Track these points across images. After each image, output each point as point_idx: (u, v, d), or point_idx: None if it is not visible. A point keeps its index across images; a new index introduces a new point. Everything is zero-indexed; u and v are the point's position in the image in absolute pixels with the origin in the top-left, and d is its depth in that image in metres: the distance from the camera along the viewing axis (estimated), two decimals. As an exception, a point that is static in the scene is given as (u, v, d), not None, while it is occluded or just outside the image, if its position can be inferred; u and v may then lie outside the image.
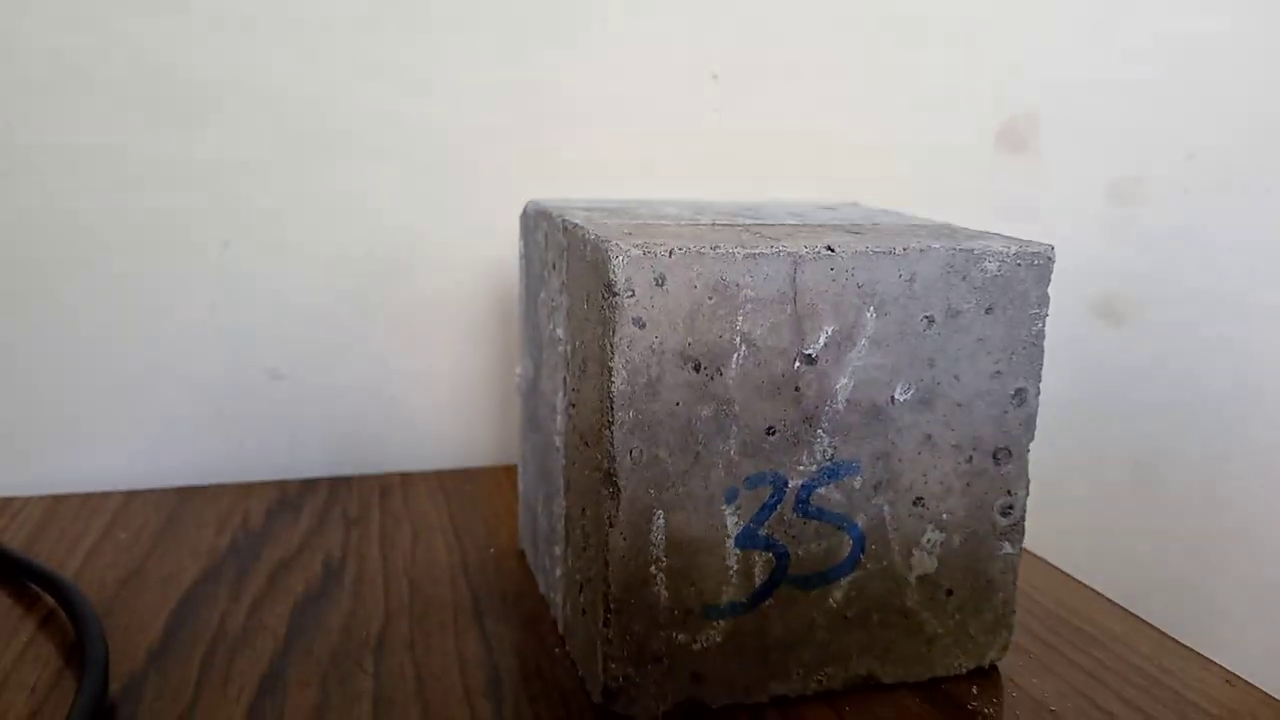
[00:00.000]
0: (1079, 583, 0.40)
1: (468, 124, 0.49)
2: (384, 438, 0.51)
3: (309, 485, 0.48)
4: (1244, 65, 0.60)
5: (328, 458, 0.51)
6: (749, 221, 0.33)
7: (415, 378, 0.51)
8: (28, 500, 0.45)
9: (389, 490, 0.48)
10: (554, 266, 0.33)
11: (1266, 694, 0.32)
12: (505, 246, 0.50)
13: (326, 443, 0.51)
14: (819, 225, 0.33)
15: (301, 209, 0.48)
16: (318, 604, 0.37)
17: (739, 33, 0.52)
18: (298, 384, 0.50)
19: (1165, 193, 0.60)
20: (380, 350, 0.51)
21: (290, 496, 0.47)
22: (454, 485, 0.49)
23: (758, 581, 0.30)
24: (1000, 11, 0.56)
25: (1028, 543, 0.39)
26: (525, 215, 0.38)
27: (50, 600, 0.36)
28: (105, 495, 0.46)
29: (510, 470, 0.50)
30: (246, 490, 0.47)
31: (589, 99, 0.51)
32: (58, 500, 0.45)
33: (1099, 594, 0.39)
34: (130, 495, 0.46)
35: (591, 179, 0.51)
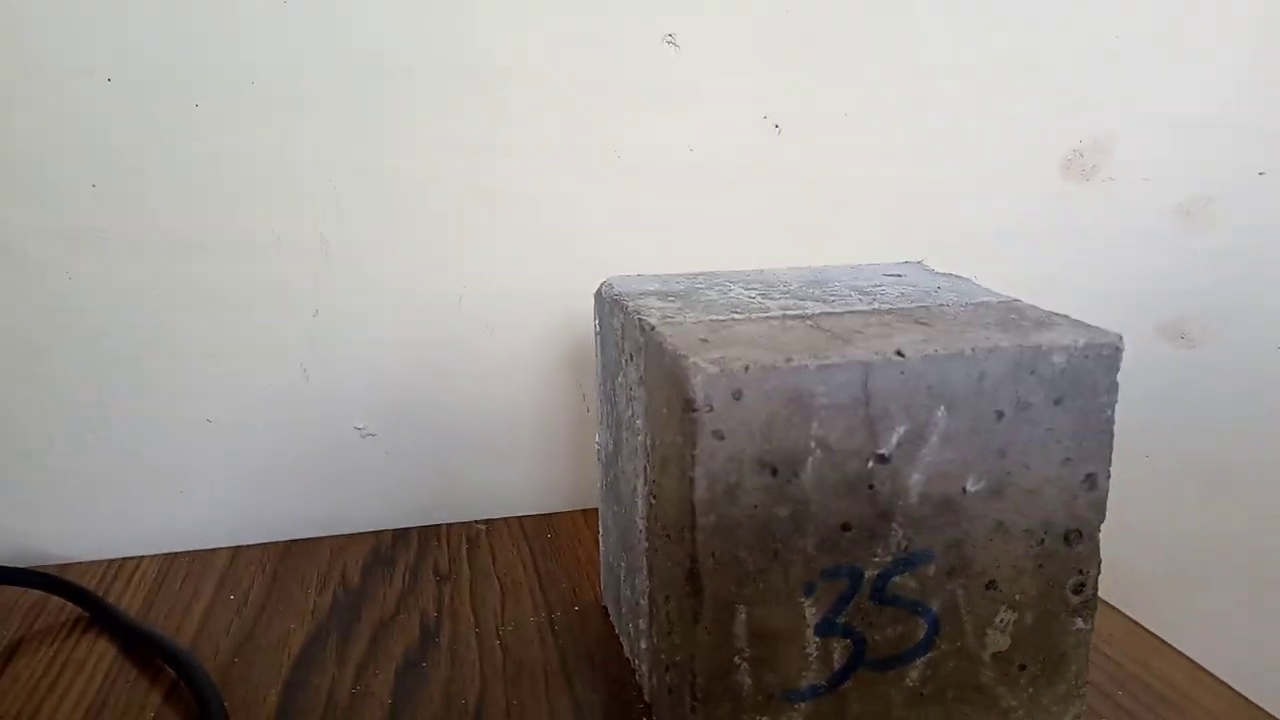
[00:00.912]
0: (1150, 633, 0.41)
1: (545, 187, 0.51)
2: (471, 486, 0.54)
3: (401, 536, 0.50)
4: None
5: (418, 508, 0.53)
6: (818, 310, 0.34)
7: (496, 429, 0.53)
8: (140, 560, 0.48)
9: (475, 540, 0.50)
10: (631, 358, 0.35)
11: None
12: (579, 304, 0.52)
13: (415, 494, 0.53)
14: (887, 310, 0.34)
15: (384, 278, 0.50)
16: (418, 669, 0.39)
17: (799, 82, 0.53)
18: (385, 440, 0.52)
19: (1234, 211, 0.59)
20: (463, 404, 0.53)
21: (384, 549, 0.49)
22: (535, 532, 0.51)
23: (836, 666, 0.31)
24: (1061, 39, 0.56)
25: (1102, 591, 0.40)
26: (600, 296, 0.39)
27: (173, 672, 0.39)
28: (213, 552, 0.49)
29: (587, 515, 0.52)
30: (343, 543, 0.50)
31: (657, 155, 0.52)
32: (170, 558, 0.48)
33: (1170, 646, 0.40)
34: (236, 551, 0.49)
35: (662, 233, 0.53)
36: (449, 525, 0.51)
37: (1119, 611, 0.42)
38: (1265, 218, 0.60)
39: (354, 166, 0.49)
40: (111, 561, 0.48)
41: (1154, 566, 0.62)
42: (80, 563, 0.48)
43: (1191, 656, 0.39)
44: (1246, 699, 0.36)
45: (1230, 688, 0.37)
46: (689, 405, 0.28)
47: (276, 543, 0.50)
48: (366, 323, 0.51)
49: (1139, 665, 0.38)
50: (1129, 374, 0.53)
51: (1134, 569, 0.58)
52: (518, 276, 0.52)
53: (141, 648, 0.41)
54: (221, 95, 0.47)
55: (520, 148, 0.50)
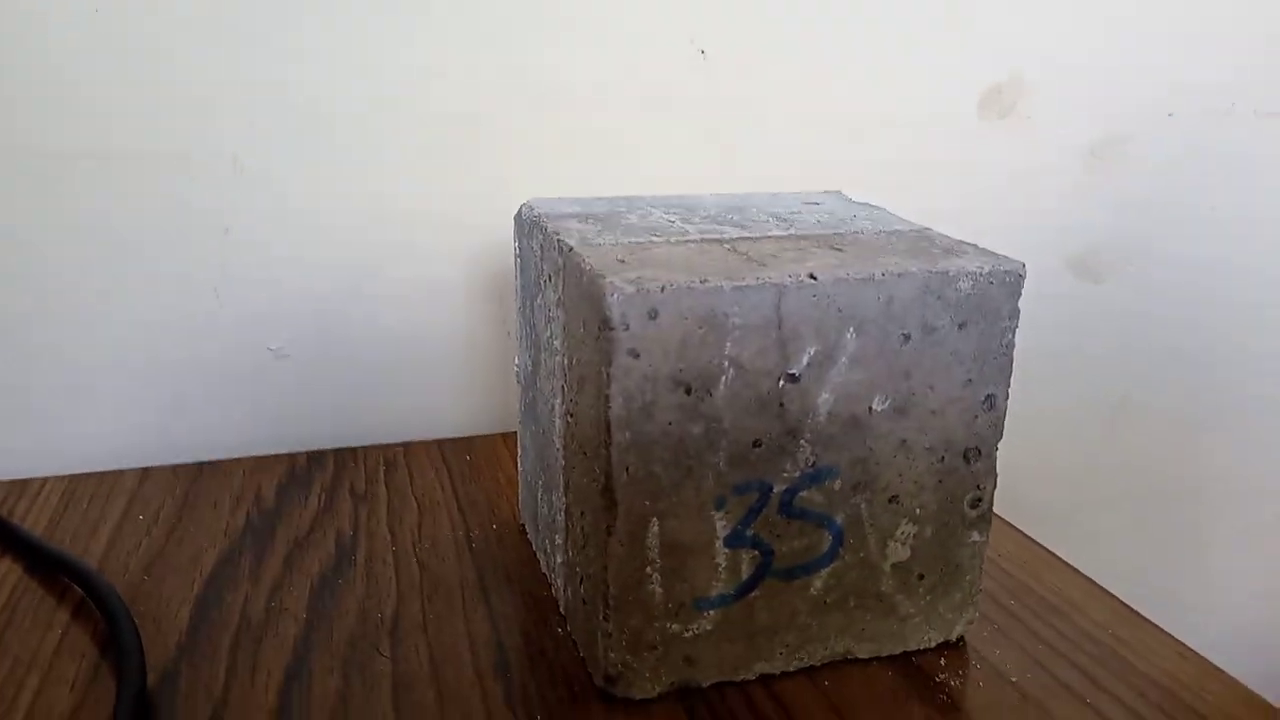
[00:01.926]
0: (1044, 549, 0.43)
1: (461, 108, 0.50)
2: (386, 410, 0.53)
3: (316, 458, 0.50)
4: (1223, 22, 0.60)
5: (333, 431, 0.53)
6: (736, 234, 0.35)
7: (414, 352, 0.53)
8: (45, 481, 0.47)
9: (393, 462, 0.50)
10: (550, 279, 0.35)
11: (1214, 666, 0.35)
12: (499, 224, 0.52)
13: (331, 416, 0.53)
14: (803, 236, 0.35)
15: (299, 195, 0.49)
16: (333, 586, 0.39)
17: (727, 9, 0.52)
18: (300, 363, 0.51)
19: (1145, 153, 0.61)
20: (379, 327, 0.52)
21: (299, 471, 0.49)
22: (454, 455, 0.51)
23: (744, 576, 0.32)
24: (984, -28, 0.56)
25: (1000, 508, 0.42)
26: (520, 218, 0.39)
27: (80, 590, 0.39)
28: (121, 473, 0.48)
29: (507, 438, 0.53)
30: (257, 465, 0.49)
31: (578, 79, 0.51)
32: (76, 480, 0.47)
33: (1062, 560, 0.42)
34: (145, 473, 0.48)
35: (582, 157, 0.52)
36: (366, 448, 0.51)
37: (1015, 528, 0.44)
38: (1173, 159, 0.62)
39: (266, 81, 0.47)
40: (14, 481, 0.47)
41: (1052, 488, 0.65)
42: (-20, 484, 0.47)
43: (1082, 570, 0.41)
44: (1130, 607, 0.39)
45: (1115, 597, 0.39)
46: (605, 324, 0.29)
47: (187, 465, 0.49)
48: (279, 243, 0.50)
49: (1031, 577, 0.41)
50: (1038, 306, 0.55)
51: (1033, 490, 0.61)
52: (437, 198, 0.51)
53: (46, 566, 0.40)
54: (125, 3, 0.44)
55: (441, 67, 0.49)
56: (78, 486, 0.47)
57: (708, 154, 0.54)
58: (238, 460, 0.50)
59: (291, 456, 0.50)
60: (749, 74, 0.54)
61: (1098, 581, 0.40)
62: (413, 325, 0.53)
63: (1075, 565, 0.42)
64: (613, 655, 0.32)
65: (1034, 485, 0.63)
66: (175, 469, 0.49)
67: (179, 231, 0.48)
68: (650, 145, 0.53)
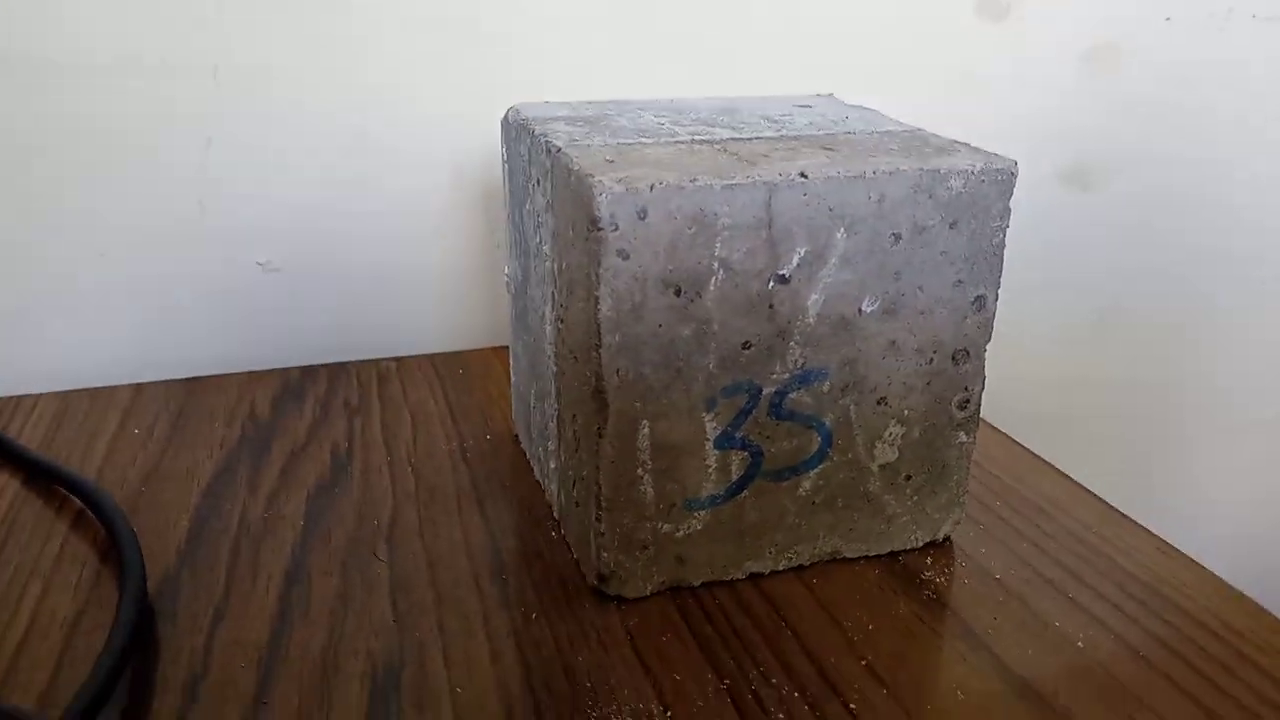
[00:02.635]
0: (1030, 453, 0.43)
1: (448, 12, 0.49)
2: (378, 324, 0.53)
3: (309, 372, 0.50)
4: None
5: (326, 345, 0.53)
6: (726, 136, 0.34)
7: (405, 265, 0.53)
8: (39, 397, 0.47)
9: (386, 376, 0.50)
10: (538, 183, 0.34)
11: (1193, 560, 0.36)
12: (489, 131, 0.51)
13: (323, 331, 0.53)
14: (794, 137, 0.34)
15: (282, 105, 0.48)
16: (330, 494, 0.40)
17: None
18: (290, 276, 0.51)
19: (1141, 58, 0.60)
20: (368, 240, 0.52)
21: (292, 384, 0.49)
22: (447, 369, 0.51)
23: (734, 477, 0.33)
24: None
25: (988, 415, 0.42)
26: (507, 123, 0.39)
27: (78, 501, 0.39)
28: (114, 389, 0.48)
29: (499, 352, 0.53)
30: (250, 379, 0.49)
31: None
32: (69, 396, 0.47)
33: (1047, 463, 0.43)
34: (138, 388, 0.48)
35: (571, 62, 0.51)
36: (359, 362, 0.51)
37: (1002, 432, 0.45)
38: (1169, 64, 0.61)
39: (245, -16, 0.46)
40: (7, 399, 0.47)
41: (1039, 394, 0.66)
42: (-27, 400, 0.47)
43: (1068, 474, 0.42)
44: (1113, 507, 0.39)
45: (1099, 498, 0.40)
46: (594, 224, 0.29)
47: (180, 380, 0.49)
48: (263, 154, 0.49)
49: (1017, 480, 0.41)
50: (1029, 214, 0.55)
51: (1020, 395, 0.61)
52: (424, 106, 0.50)
53: (44, 480, 0.40)
54: (93, -101, 0.43)
55: (423, -31, 0.48)
56: (71, 402, 0.47)
57: (699, 57, 0.53)
58: (231, 375, 0.50)
59: (284, 371, 0.50)
60: (740, -22, 0.53)
61: (1083, 484, 0.41)
62: (403, 238, 0.52)
63: (1062, 467, 0.42)
64: (605, 555, 0.33)
65: (1022, 391, 0.63)
66: (168, 384, 0.49)
67: (160, 142, 0.48)
68: (640, 48, 0.52)
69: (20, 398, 0.47)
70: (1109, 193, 0.63)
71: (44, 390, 0.48)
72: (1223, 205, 0.65)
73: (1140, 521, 0.39)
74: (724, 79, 0.53)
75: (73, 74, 0.45)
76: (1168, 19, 0.60)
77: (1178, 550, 0.36)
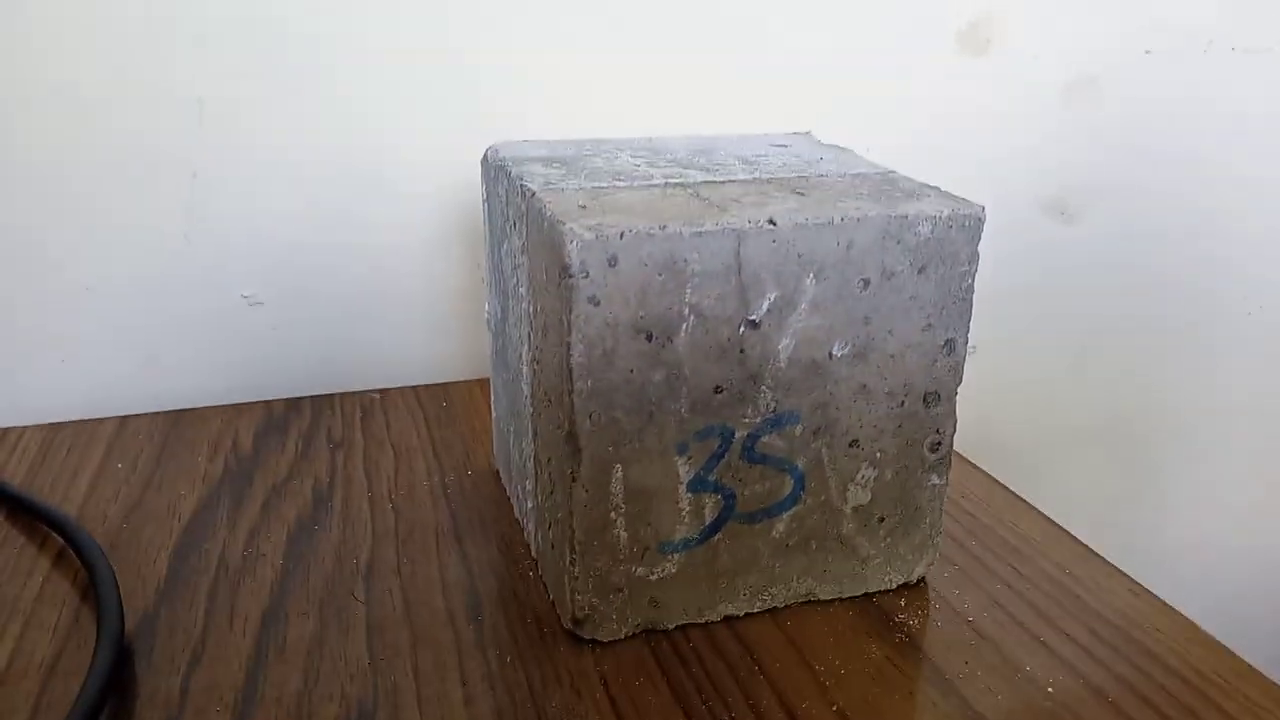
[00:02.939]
0: (1006, 489, 0.44)
1: (430, 44, 0.49)
2: (362, 356, 0.54)
3: (293, 405, 0.50)
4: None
5: (310, 376, 0.53)
6: (700, 179, 0.35)
7: (389, 296, 0.53)
8: (24, 430, 0.47)
9: (370, 409, 0.50)
10: (515, 225, 0.35)
11: (1165, 603, 0.36)
12: (471, 164, 0.51)
13: (307, 363, 0.53)
14: (767, 180, 0.35)
15: (267, 138, 0.49)
16: (310, 531, 0.40)
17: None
18: (274, 309, 0.52)
19: (1121, 91, 0.61)
20: (353, 272, 0.52)
21: (276, 417, 0.49)
22: (430, 401, 0.51)
23: (708, 520, 0.33)
24: (962, -93, 0.55)
25: (966, 450, 0.43)
26: (486, 163, 0.39)
27: (59, 539, 0.39)
28: (99, 422, 0.48)
29: (482, 384, 0.53)
30: (234, 412, 0.49)
31: (550, 19, 0.51)
32: (54, 429, 0.48)
33: (1024, 501, 0.43)
34: (123, 421, 0.48)
35: (555, 97, 0.52)
36: (342, 394, 0.52)
37: (979, 469, 0.45)
38: (1149, 97, 0.62)
39: (228, 17, 0.46)
40: (-8, 432, 0.47)
41: (1021, 429, 0.66)
42: (-41, 433, 0.47)
43: (1046, 513, 0.42)
44: (1087, 546, 0.39)
45: (1073, 537, 0.40)
46: (565, 271, 0.29)
47: (165, 412, 0.49)
48: (248, 187, 0.49)
49: (993, 519, 0.41)
50: (1010, 245, 0.55)
51: (1002, 431, 0.61)
52: (409, 139, 0.51)
53: (25, 516, 0.41)
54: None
55: (405, 2, 0.48)
56: (56, 436, 0.47)
57: (681, 93, 0.54)
58: (215, 408, 0.50)
59: (268, 404, 0.51)
60: (725, 11, 0.53)
61: (1059, 521, 0.41)
62: (387, 270, 0.53)
63: (1039, 505, 0.42)
64: (579, 598, 0.33)
65: (1002, 424, 0.63)
66: (153, 417, 0.49)
67: (146, 176, 0.48)
68: (624, 83, 0.53)
69: (5, 430, 0.47)
70: (1089, 225, 0.63)
71: (30, 423, 0.48)
72: (1202, 237, 0.65)
73: (1114, 557, 0.39)
74: (707, 114, 0.54)
75: (55, 107, 0.46)
76: (1147, 52, 0.61)
77: (1150, 592, 0.37)
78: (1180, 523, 0.72)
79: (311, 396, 0.51)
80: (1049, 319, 0.65)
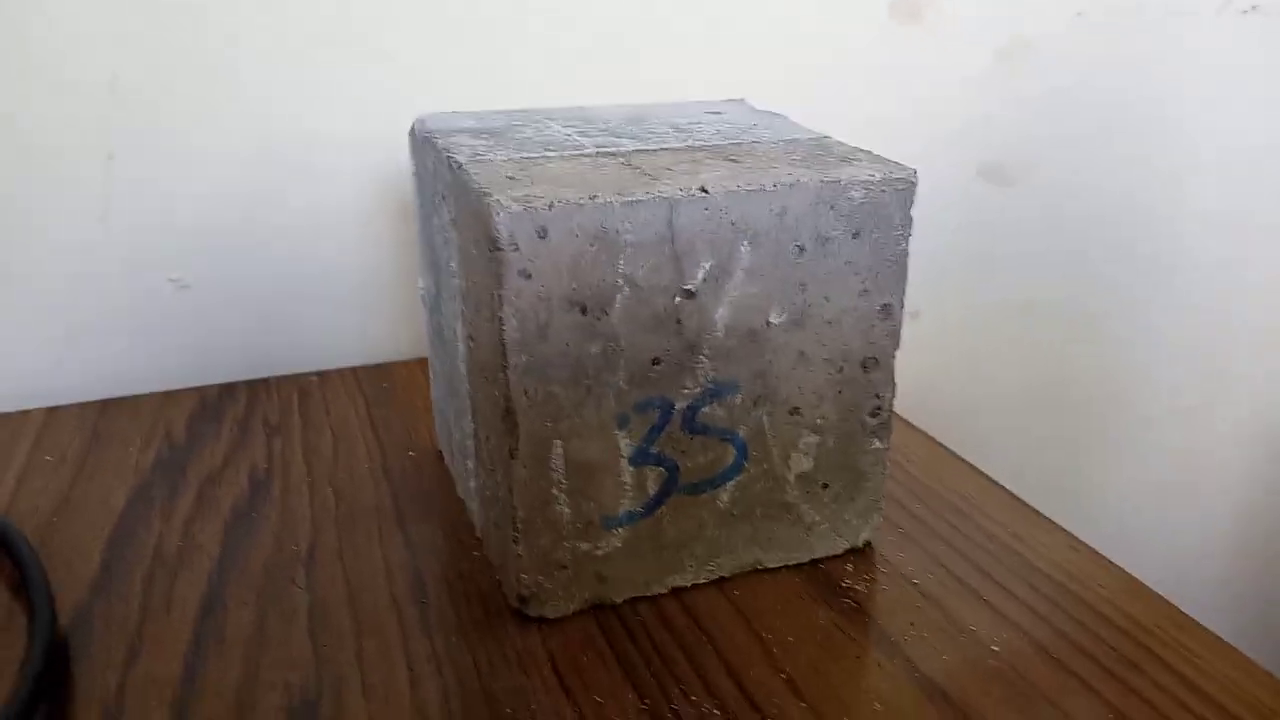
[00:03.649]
0: (948, 451, 0.44)
1: (353, 16, 0.48)
2: (297, 339, 0.52)
3: (228, 390, 0.49)
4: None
5: (245, 362, 0.52)
6: (631, 148, 0.34)
7: (323, 278, 0.52)
8: (-54, 424, 0.46)
9: (307, 392, 0.49)
10: (444, 199, 0.34)
11: (1104, 557, 0.36)
12: (399, 139, 0.50)
13: (241, 347, 0.52)
14: (700, 148, 0.34)
15: (185, 117, 0.47)
16: (248, 519, 0.39)
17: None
18: (203, 292, 0.50)
19: (1054, 54, 0.61)
20: (283, 253, 0.51)
21: (210, 403, 0.48)
22: (370, 382, 0.50)
23: (651, 492, 0.33)
24: None
25: (909, 414, 0.43)
26: (414, 135, 0.38)
27: (-14, 535, 0.38)
28: (26, 413, 0.47)
29: (423, 364, 0.52)
30: (166, 399, 0.48)
31: (476, -16, 0.50)
32: (-23, 422, 0.46)
33: (965, 462, 0.43)
34: (51, 412, 0.47)
35: (483, 68, 0.51)
36: (279, 378, 0.51)
37: (921, 431, 0.45)
38: (1082, 58, 0.62)
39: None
40: (-89, 429, 0.46)
41: (961, 390, 0.67)
42: (-124, 431, 0.46)
43: (986, 472, 0.43)
44: (1027, 504, 0.40)
45: (1014, 495, 0.40)
46: (494, 244, 0.28)
47: (93, 402, 0.48)
48: (168, 168, 0.48)
49: (935, 480, 0.42)
50: (948, 210, 0.56)
51: (945, 395, 0.62)
52: (331, 116, 0.49)
53: (-51, 513, 0.39)
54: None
55: (332, -23, 0.47)
56: (-20, 430, 0.46)
57: (612, 62, 0.53)
58: (146, 396, 0.49)
59: (201, 390, 0.49)
60: (657, -19, 0.52)
61: (999, 481, 0.41)
62: (318, 249, 0.52)
63: (981, 466, 0.43)
64: (524, 576, 0.32)
65: (945, 388, 0.64)
66: (82, 407, 0.47)
67: (61, 159, 0.46)
68: (552, 54, 0.52)
69: (-75, 427, 0.46)
70: (1026, 187, 0.64)
71: (-49, 418, 0.46)
72: (1137, 198, 0.66)
73: (1055, 514, 0.39)
74: (641, 84, 0.53)
75: (-32, 92, 0.44)
76: (1079, 14, 0.61)
77: (1089, 547, 0.37)
78: (1120, 482, 0.74)
79: (247, 381, 0.50)
80: (990, 283, 0.65)
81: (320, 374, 0.51)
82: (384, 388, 0.50)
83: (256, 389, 0.49)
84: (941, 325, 0.62)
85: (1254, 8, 0.62)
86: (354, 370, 0.51)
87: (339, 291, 0.52)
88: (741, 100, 0.43)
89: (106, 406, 0.47)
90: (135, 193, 0.48)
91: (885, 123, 0.58)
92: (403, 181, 0.51)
